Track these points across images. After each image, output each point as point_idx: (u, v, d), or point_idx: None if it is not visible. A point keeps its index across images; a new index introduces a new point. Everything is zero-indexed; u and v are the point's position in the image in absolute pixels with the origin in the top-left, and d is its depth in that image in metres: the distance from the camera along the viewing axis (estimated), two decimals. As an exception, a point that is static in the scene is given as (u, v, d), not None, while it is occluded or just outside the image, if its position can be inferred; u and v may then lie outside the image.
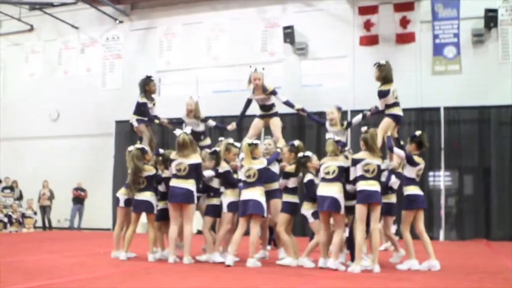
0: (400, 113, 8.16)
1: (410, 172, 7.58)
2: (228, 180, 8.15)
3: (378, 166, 7.19)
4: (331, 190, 7.19)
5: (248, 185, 7.72)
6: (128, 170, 8.36)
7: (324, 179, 7.33)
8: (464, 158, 15.87)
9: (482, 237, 14.95)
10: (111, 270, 7.19)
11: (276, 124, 8.84)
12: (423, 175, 15.89)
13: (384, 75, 8.30)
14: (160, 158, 8.62)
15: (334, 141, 7.49)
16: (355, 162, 7.23)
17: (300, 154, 7.81)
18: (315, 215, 7.59)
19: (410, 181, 7.55)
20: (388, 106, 8.20)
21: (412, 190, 7.49)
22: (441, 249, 11.18)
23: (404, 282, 6.38)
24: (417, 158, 7.57)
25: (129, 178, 8.33)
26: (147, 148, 8.66)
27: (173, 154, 8.12)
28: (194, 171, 7.94)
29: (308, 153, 7.83)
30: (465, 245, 13.56)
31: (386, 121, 8.08)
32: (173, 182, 7.95)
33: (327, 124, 8.87)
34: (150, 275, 6.72)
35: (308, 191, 7.62)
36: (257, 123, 9.09)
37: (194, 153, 8.09)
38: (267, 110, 9.09)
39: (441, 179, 15.76)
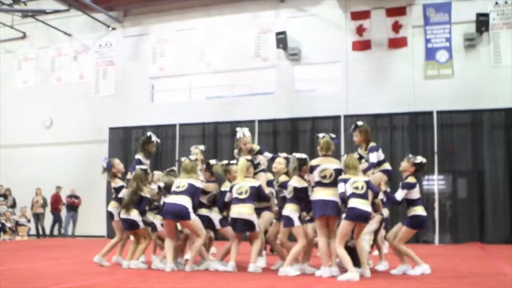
0: (390, 167, 7.91)
1: (416, 193, 7.54)
2: (221, 199, 8.11)
3: (366, 182, 7.13)
4: (330, 193, 7.13)
5: (238, 201, 7.72)
6: (128, 188, 8.35)
7: (320, 183, 7.24)
8: (457, 162, 15.93)
9: (476, 240, 14.99)
10: (106, 277, 7.16)
11: (261, 180, 8.42)
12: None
13: (366, 136, 7.87)
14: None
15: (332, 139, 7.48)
16: (343, 181, 7.15)
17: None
18: (300, 219, 7.47)
19: (418, 201, 7.54)
20: (379, 162, 7.84)
21: (420, 211, 7.49)
22: (436, 253, 11.23)
23: (400, 285, 6.39)
24: (411, 179, 7.55)
25: (127, 197, 8.28)
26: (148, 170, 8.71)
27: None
28: (192, 191, 7.82)
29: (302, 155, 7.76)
30: (459, 248, 13.58)
31: (379, 176, 7.79)
32: (168, 199, 7.89)
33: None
34: (145, 282, 6.71)
35: (299, 196, 7.46)
36: None
37: (197, 178, 8.07)
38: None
39: (435, 183, 15.80)
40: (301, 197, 7.45)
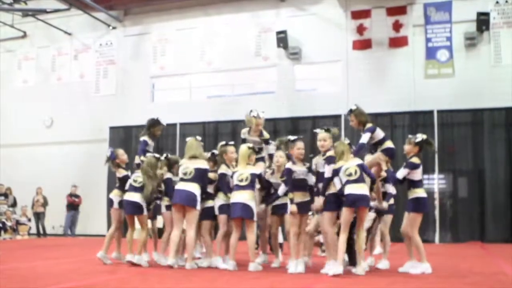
0: (392, 145, 7.87)
1: (418, 174, 7.52)
2: (222, 184, 8.17)
3: (359, 166, 7.10)
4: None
5: (239, 188, 7.80)
6: (144, 178, 8.30)
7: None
8: (458, 161, 15.94)
9: (477, 240, 15.00)
10: (107, 276, 7.16)
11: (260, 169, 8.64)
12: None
13: (361, 118, 7.92)
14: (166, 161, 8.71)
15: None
16: (335, 172, 7.16)
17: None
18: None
19: (419, 183, 7.53)
20: (379, 143, 7.80)
21: (421, 193, 7.47)
22: (436, 252, 11.22)
23: (401, 285, 6.39)
24: (415, 160, 7.52)
25: (149, 187, 8.24)
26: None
27: (182, 160, 8.27)
28: (200, 176, 7.98)
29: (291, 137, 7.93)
30: (460, 247, 13.58)
31: (377, 156, 7.71)
32: (178, 185, 8.04)
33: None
34: (146, 281, 6.70)
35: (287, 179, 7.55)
36: None
37: (202, 158, 8.19)
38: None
39: (435, 182, 15.80)
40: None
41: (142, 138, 9.14)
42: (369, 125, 7.80)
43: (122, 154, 8.93)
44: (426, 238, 15.31)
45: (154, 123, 9.20)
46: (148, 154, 8.66)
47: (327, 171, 7.24)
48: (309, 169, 7.56)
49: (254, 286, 6.38)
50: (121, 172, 8.79)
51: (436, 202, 15.61)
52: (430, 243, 15.08)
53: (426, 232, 15.42)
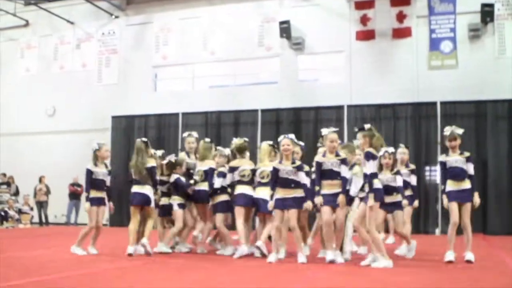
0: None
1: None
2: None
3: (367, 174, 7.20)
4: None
5: (260, 184, 8.22)
6: (132, 163, 8.46)
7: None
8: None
9: (479, 231, 14.95)
10: (108, 265, 7.17)
11: None
12: (419, 170, 15.94)
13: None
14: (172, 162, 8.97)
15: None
16: (373, 156, 7.18)
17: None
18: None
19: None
20: None
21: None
22: (437, 243, 11.23)
23: (403, 276, 6.38)
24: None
25: (138, 175, 8.39)
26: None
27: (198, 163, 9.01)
28: (206, 175, 8.74)
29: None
30: (462, 239, 13.54)
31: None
32: (196, 187, 8.79)
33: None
34: (147, 270, 6.71)
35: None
36: None
37: (210, 158, 8.88)
38: None
39: (438, 173, 15.76)
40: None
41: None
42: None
43: (105, 150, 8.76)
44: (426, 229, 15.34)
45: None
46: (137, 140, 8.73)
47: (344, 171, 7.40)
48: (298, 168, 7.48)
49: (255, 277, 6.38)
50: (89, 165, 8.73)
51: (439, 194, 15.56)
52: (430, 234, 15.09)
53: (427, 224, 15.42)
